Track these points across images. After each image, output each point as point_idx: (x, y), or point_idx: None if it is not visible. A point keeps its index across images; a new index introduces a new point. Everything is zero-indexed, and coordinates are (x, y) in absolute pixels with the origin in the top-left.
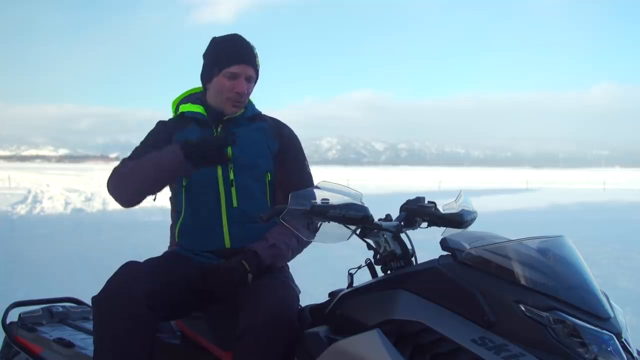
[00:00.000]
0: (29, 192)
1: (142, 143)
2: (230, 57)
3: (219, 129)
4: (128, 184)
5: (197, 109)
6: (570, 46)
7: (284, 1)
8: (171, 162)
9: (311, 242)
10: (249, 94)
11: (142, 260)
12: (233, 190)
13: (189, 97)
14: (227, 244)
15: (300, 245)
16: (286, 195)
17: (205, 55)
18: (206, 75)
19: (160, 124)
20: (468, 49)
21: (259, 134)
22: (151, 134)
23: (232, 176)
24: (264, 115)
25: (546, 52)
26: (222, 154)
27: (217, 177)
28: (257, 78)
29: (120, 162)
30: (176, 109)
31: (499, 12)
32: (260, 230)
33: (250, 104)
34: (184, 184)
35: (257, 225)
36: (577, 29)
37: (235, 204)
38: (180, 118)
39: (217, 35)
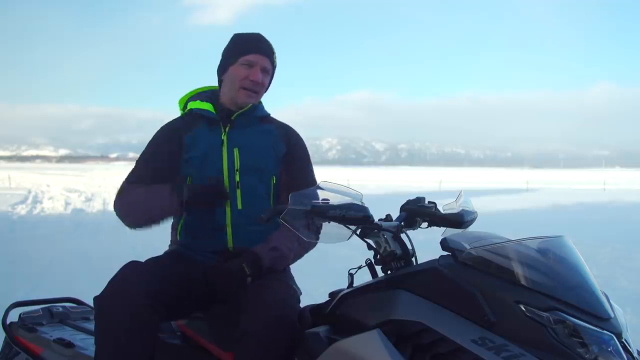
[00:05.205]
0: (29, 192)
1: (143, 154)
2: (248, 46)
3: (225, 131)
4: (129, 215)
5: (206, 106)
6: (569, 47)
7: (284, 2)
8: (163, 207)
9: (315, 244)
10: (264, 86)
11: (143, 260)
12: (238, 192)
13: (198, 95)
14: (230, 245)
15: (303, 249)
16: None
17: (224, 50)
18: (223, 67)
19: (165, 128)
20: (467, 49)
21: (266, 137)
22: (152, 143)
23: (237, 178)
24: (273, 118)
25: (545, 52)
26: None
27: (223, 179)
28: (272, 76)
29: (122, 186)
30: (184, 106)
31: (498, 13)
32: (263, 232)
33: (260, 105)
34: (187, 183)
35: (260, 227)
36: (575, 29)
37: (239, 206)
38: (188, 116)
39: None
